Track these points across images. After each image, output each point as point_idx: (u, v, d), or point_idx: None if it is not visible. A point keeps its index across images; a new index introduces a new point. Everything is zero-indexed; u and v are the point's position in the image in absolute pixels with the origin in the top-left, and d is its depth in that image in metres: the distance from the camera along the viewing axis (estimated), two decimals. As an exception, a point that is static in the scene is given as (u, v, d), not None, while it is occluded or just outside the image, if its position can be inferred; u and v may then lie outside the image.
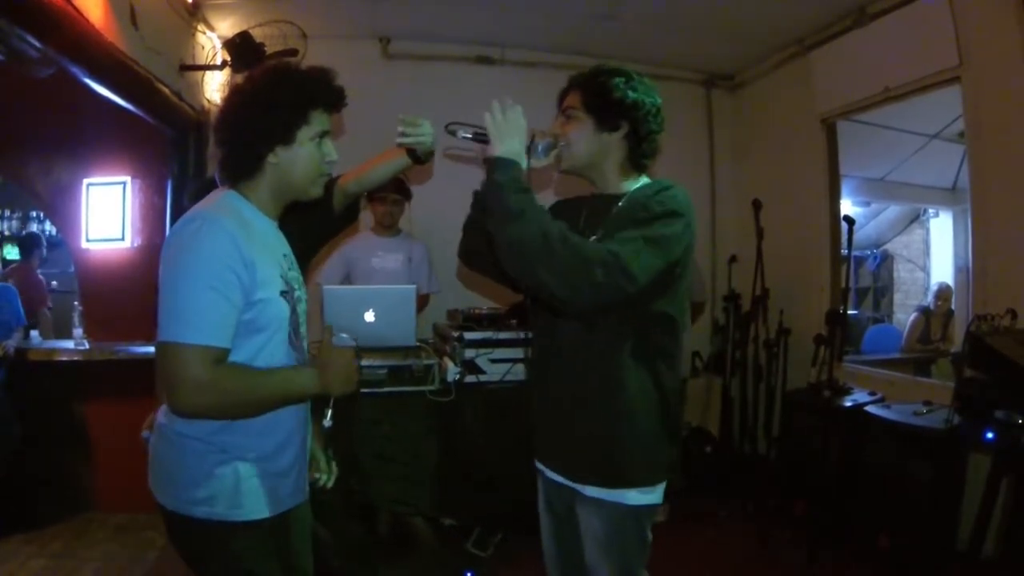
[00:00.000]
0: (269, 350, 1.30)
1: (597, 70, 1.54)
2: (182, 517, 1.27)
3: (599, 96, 1.50)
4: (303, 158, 1.33)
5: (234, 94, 1.35)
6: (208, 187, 1.44)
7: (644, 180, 1.57)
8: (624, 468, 1.46)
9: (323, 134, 1.36)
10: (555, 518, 1.64)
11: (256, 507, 1.29)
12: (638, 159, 1.55)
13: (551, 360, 1.57)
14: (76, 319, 3.55)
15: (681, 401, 1.57)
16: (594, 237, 1.47)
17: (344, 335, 1.35)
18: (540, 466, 1.65)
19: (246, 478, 1.28)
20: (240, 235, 1.22)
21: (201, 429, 1.26)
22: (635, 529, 1.49)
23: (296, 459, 1.40)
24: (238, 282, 1.21)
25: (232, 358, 1.24)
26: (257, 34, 3.28)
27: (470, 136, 1.45)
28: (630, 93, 1.49)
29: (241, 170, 1.32)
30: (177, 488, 1.28)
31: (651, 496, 1.48)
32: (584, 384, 1.48)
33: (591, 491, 1.48)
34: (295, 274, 1.42)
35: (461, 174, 4.17)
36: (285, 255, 1.40)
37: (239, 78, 1.44)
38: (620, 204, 1.50)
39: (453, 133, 1.46)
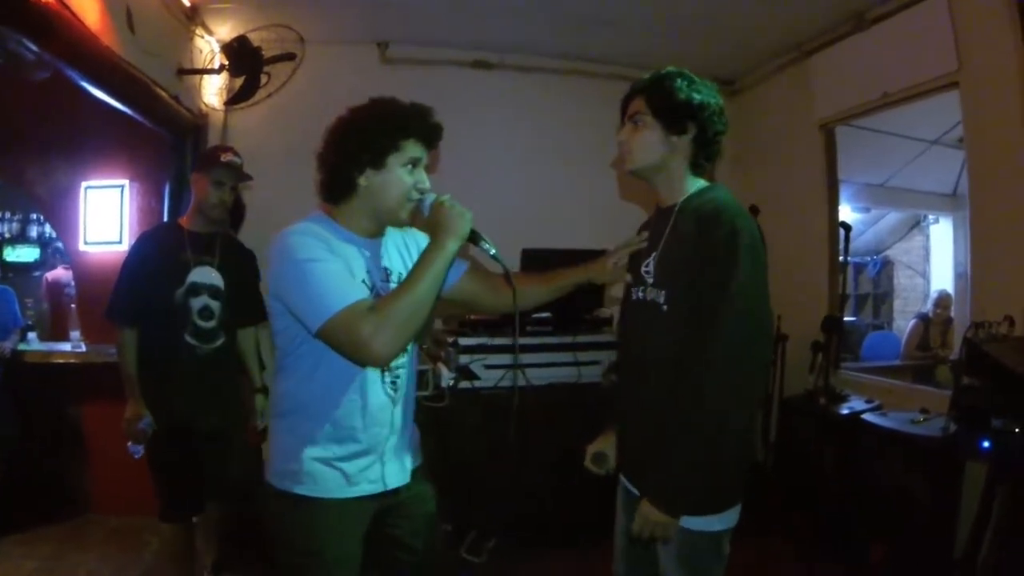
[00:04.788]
0: None
1: (658, 75, 1.53)
2: (266, 487, 1.47)
3: (665, 99, 1.49)
4: (392, 183, 1.42)
5: (336, 122, 1.45)
6: None
7: (697, 184, 1.55)
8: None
9: (415, 162, 1.44)
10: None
11: (315, 486, 1.42)
12: (700, 161, 1.54)
13: None
14: (74, 321, 3.56)
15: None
16: (655, 254, 1.51)
17: (433, 194, 1.45)
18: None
19: (307, 460, 1.42)
20: (324, 240, 1.37)
21: (279, 413, 1.48)
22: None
23: (360, 453, 1.45)
24: (333, 254, 1.35)
25: None
26: (255, 38, 3.29)
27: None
28: (695, 95, 1.48)
29: (335, 191, 1.44)
30: (270, 464, 1.48)
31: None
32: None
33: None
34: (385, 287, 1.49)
35: (464, 176, 4.20)
36: (369, 271, 1.46)
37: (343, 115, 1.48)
38: (675, 215, 1.51)
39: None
